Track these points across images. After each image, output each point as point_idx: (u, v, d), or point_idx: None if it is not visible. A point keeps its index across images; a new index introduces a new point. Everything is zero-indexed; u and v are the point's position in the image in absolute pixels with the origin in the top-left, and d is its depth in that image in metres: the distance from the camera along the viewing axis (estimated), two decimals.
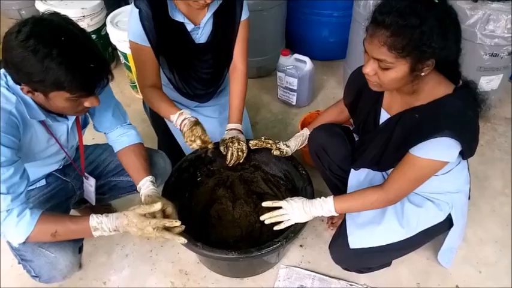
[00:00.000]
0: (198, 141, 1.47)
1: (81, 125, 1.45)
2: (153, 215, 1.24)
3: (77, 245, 1.36)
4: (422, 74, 1.08)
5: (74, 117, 1.36)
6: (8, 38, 1.04)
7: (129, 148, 1.49)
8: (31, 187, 1.44)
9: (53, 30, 1.05)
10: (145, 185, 1.39)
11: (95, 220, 1.21)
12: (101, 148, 1.64)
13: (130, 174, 1.46)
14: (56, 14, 1.11)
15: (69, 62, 1.05)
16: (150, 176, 1.42)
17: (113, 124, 1.50)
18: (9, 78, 1.15)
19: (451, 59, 1.11)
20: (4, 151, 1.10)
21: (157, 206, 1.22)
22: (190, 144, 1.49)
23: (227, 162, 1.62)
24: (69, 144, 1.43)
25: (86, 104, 1.18)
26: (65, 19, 1.11)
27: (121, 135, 1.50)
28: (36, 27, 1.03)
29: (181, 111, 1.54)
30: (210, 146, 1.52)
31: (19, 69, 1.05)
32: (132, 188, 1.57)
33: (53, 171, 1.50)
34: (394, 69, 1.07)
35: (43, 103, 1.17)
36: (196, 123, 1.51)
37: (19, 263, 1.35)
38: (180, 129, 1.53)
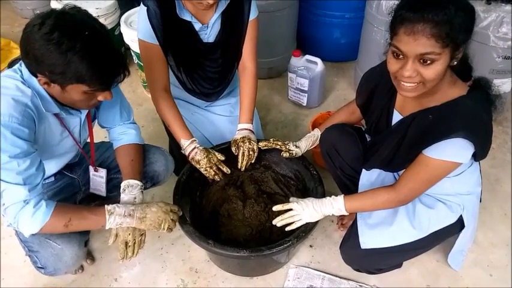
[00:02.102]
0: (215, 168, 1.58)
1: (92, 118, 1.48)
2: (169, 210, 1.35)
3: (83, 238, 1.39)
4: (455, 63, 1.08)
5: (87, 111, 1.38)
6: (30, 30, 1.06)
7: (124, 147, 1.51)
8: None
9: (77, 24, 1.08)
10: (126, 191, 1.41)
11: (110, 205, 1.26)
12: (105, 146, 1.66)
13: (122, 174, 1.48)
14: (77, 9, 1.14)
15: (91, 56, 1.08)
16: (133, 181, 1.43)
17: (116, 120, 1.52)
18: (24, 71, 1.17)
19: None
20: (20, 143, 1.12)
21: (176, 208, 1.38)
22: (208, 172, 1.58)
23: (239, 166, 1.64)
24: (81, 137, 1.45)
25: (100, 97, 1.21)
26: (86, 14, 1.14)
27: (121, 134, 1.53)
28: (61, 21, 1.06)
29: (193, 138, 1.60)
30: (227, 171, 1.61)
31: (40, 60, 1.07)
32: None
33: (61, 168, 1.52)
34: (439, 62, 1.04)
35: (58, 95, 1.19)
36: (209, 151, 1.60)
37: (26, 254, 1.38)
38: (188, 156, 1.59)
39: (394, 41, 1.07)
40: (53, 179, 1.51)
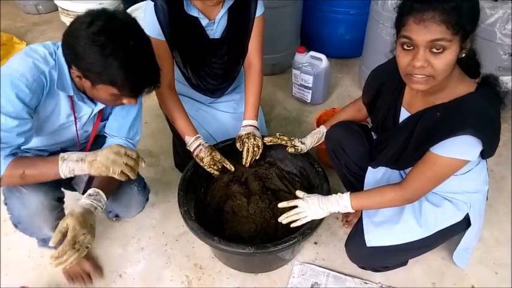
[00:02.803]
0: (219, 165, 1.57)
1: (103, 118, 1.46)
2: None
3: (52, 189, 1.34)
4: (463, 55, 1.08)
5: (102, 106, 1.36)
6: (77, 26, 1.09)
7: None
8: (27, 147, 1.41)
9: (124, 31, 1.11)
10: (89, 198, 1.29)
11: (65, 153, 1.21)
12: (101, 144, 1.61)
13: None
14: (127, 15, 1.16)
15: (131, 66, 1.11)
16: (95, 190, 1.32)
17: (122, 132, 1.45)
18: (60, 49, 1.19)
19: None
20: (17, 104, 1.14)
21: (134, 154, 1.25)
22: (212, 169, 1.58)
23: (243, 163, 1.64)
24: (84, 128, 1.43)
25: (125, 101, 1.23)
26: (135, 22, 1.16)
27: (120, 139, 1.46)
28: (110, 24, 1.08)
29: (198, 135, 1.60)
30: (230, 168, 1.61)
31: (81, 57, 1.10)
32: None
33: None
34: (449, 50, 1.03)
35: (86, 89, 1.22)
36: (213, 148, 1.59)
37: (4, 202, 1.34)
38: (192, 152, 1.59)
39: (403, 32, 1.06)
40: (46, 154, 1.48)
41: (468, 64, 1.16)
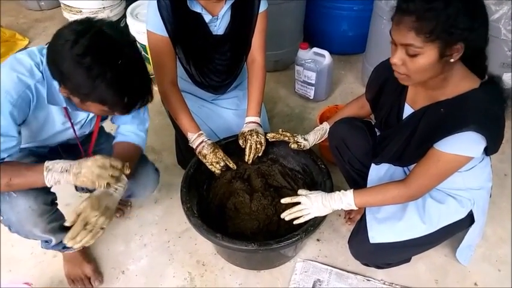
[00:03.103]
0: (222, 163, 1.57)
1: (103, 117, 1.46)
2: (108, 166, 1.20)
3: (42, 194, 1.30)
4: (452, 60, 1.06)
5: None
6: (61, 45, 1.03)
7: (127, 144, 1.46)
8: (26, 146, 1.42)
9: (111, 49, 1.05)
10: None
11: (50, 162, 1.17)
12: (103, 138, 1.62)
13: None
14: (115, 27, 1.10)
15: (120, 86, 1.07)
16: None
17: (129, 121, 1.48)
18: (45, 59, 1.14)
19: (479, 46, 1.09)
20: (2, 122, 1.11)
21: (119, 164, 1.21)
22: (213, 166, 1.57)
23: (246, 159, 1.64)
24: (82, 129, 1.43)
25: (116, 114, 1.21)
26: (124, 33, 1.11)
27: (130, 132, 1.48)
28: (95, 43, 1.02)
29: (200, 131, 1.59)
30: (233, 167, 1.61)
31: (67, 78, 1.06)
32: None
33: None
34: (423, 55, 1.05)
35: (74, 102, 1.18)
36: (216, 145, 1.58)
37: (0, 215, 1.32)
38: (195, 149, 1.58)
39: (390, 28, 1.09)
40: (47, 149, 1.48)
41: (474, 63, 1.14)
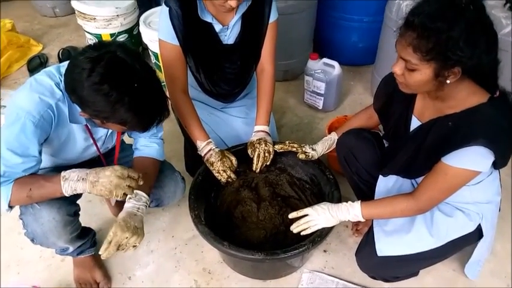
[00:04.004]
0: (228, 172, 1.58)
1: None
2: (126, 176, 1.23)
3: (66, 204, 1.34)
4: (448, 81, 1.07)
5: None
6: (78, 73, 1.06)
7: (142, 159, 1.50)
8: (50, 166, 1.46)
9: (127, 75, 1.09)
10: (132, 200, 1.35)
11: (67, 172, 1.20)
12: (129, 150, 1.64)
13: None
14: (128, 50, 1.13)
15: (138, 108, 1.11)
16: (141, 192, 1.37)
17: (143, 133, 1.51)
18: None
19: (483, 70, 1.08)
20: (24, 141, 1.15)
21: (136, 175, 1.24)
22: (220, 175, 1.59)
23: (254, 168, 1.65)
24: (104, 145, 1.47)
25: (136, 131, 1.26)
26: (136, 56, 1.14)
27: (144, 146, 1.52)
28: (111, 69, 1.06)
29: (209, 140, 1.61)
30: (234, 178, 1.62)
31: (86, 105, 1.10)
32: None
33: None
34: (419, 72, 1.07)
35: (95, 121, 1.23)
36: (224, 154, 1.60)
37: (23, 227, 1.35)
38: (204, 157, 1.60)
39: (396, 38, 1.11)
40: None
41: (483, 79, 1.14)
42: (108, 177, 1.19)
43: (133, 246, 1.29)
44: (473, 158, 1.12)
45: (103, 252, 1.24)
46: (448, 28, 0.98)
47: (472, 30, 0.99)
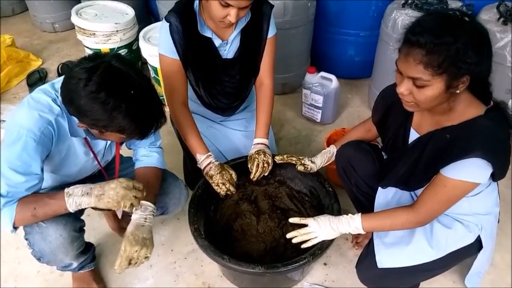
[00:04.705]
0: (228, 185, 1.57)
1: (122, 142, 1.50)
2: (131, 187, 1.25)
3: (71, 221, 1.34)
4: (458, 91, 1.08)
5: None
6: (75, 84, 1.08)
7: (144, 169, 1.51)
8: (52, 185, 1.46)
9: (123, 82, 1.11)
10: (138, 211, 1.35)
11: (70, 188, 1.21)
12: (128, 162, 1.66)
13: None
14: (123, 59, 1.16)
15: (135, 115, 1.12)
16: (146, 202, 1.37)
17: (142, 143, 1.53)
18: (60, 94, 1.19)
19: (483, 76, 1.12)
20: (26, 159, 1.15)
21: (141, 186, 1.27)
22: (219, 188, 1.58)
23: (252, 177, 1.65)
24: (104, 158, 1.48)
25: (134, 139, 1.26)
26: (130, 64, 1.16)
27: (144, 156, 1.53)
28: (107, 78, 1.08)
29: (209, 153, 1.62)
30: (233, 191, 1.61)
31: (84, 115, 1.11)
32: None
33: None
34: (430, 87, 1.07)
35: (94, 133, 1.24)
36: (223, 167, 1.60)
37: (24, 238, 1.34)
38: (203, 170, 1.61)
39: (397, 58, 1.12)
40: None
41: (479, 90, 1.16)
42: (114, 189, 1.20)
43: (146, 257, 1.30)
44: (471, 170, 1.13)
45: (117, 267, 1.26)
46: (454, 40, 1.01)
47: (474, 38, 1.03)
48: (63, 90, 1.13)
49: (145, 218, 1.35)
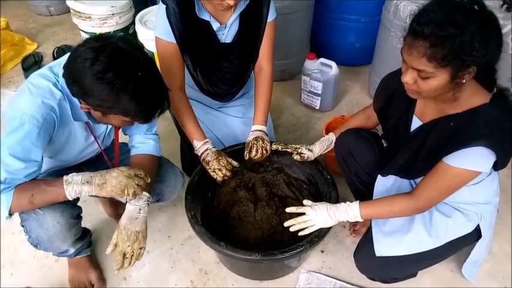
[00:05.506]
0: (224, 171, 1.55)
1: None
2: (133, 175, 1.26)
3: (68, 208, 1.33)
4: (464, 81, 1.06)
5: None
6: (80, 63, 1.06)
7: (139, 157, 1.49)
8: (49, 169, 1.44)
9: (130, 63, 1.09)
10: (132, 200, 1.33)
11: (68, 176, 1.19)
12: (124, 148, 1.62)
13: None
14: (129, 42, 1.14)
15: (141, 97, 1.11)
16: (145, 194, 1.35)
17: (139, 129, 1.51)
18: (61, 77, 1.17)
19: (490, 66, 1.09)
20: (27, 146, 1.13)
21: (142, 173, 1.28)
22: (215, 174, 1.56)
23: (245, 155, 1.62)
24: (104, 142, 1.46)
25: (137, 123, 1.24)
26: (137, 47, 1.15)
27: (139, 142, 1.51)
28: (114, 59, 1.06)
29: (206, 139, 1.60)
30: (236, 165, 1.60)
31: (90, 95, 1.09)
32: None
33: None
34: (435, 78, 1.05)
35: (95, 116, 1.21)
36: (220, 153, 1.58)
37: (20, 224, 1.33)
38: (200, 156, 1.59)
39: (402, 47, 1.09)
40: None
41: (484, 77, 1.14)
42: (117, 178, 1.21)
43: (140, 248, 1.32)
44: (474, 159, 1.11)
45: (115, 265, 1.29)
46: (460, 32, 0.97)
47: (483, 29, 0.99)
48: (68, 70, 1.11)
49: (140, 209, 1.33)
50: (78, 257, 1.58)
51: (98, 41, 1.09)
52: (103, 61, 1.04)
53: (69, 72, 1.10)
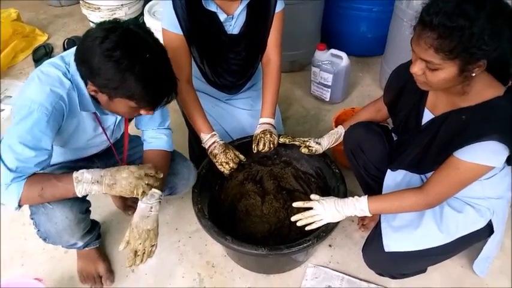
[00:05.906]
0: (231, 164, 1.54)
1: (130, 119, 1.47)
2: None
3: (77, 203, 1.33)
4: (473, 74, 1.03)
5: None
6: (91, 41, 1.06)
7: (152, 152, 1.48)
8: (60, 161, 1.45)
9: (140, 45, 1.08)
10: (144, 199, 1.31)
11: (78, 172, 1.19)
12: (136, 141, 1.63)
13: None
14: (141, 26, 1.14)
15: (147, 80, 1.09)
16: (154, 189, 1.32)
17: (151, 124, 1.50)
18: (72, 66, 1.17)
19: (503, 59, 1.05)
20: (37, 135, 1.13)
21: (153, 171, 1.27)
22: (222, 167, 1.55)
23: (253, 148, 1.61)
24: (114, 135, 1.46)
25: (142, 112, 1.21)
26: (149, 32, 1.14)
27: (152, 137, 1.50)
28: (124, 39, 1.06)
29: (214, 132, 1.59)
30: (242, 158, 1.59)
31: (97, 73, 1.08)
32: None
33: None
34: (443, 70, 1.02)
35: (102, 102, 1.20)
36: (227, 146, 1.57)
37: (30, 217, 1.33)
38: (207, 149, 1.58)
39: (411, 37, 1.06)
40: (78, 165, 1.48)
41: (498, 69, 1.10)
42: (126, 179, 1.21)
43: (152, 246, 1.34)
44: (487, 153, 1.08)
45: (127, 262, 1.30)
46: (470, 24, 0.93)
47: (494, 21, 0.94)
48: (79, 50, 1.11)
49: (151, 207, 1.33)
50: (87, 249, 1.58)
51: (111, 23, 1.10)
52: (113, 40, 1.04)
53: (80, 52, 1.11)
